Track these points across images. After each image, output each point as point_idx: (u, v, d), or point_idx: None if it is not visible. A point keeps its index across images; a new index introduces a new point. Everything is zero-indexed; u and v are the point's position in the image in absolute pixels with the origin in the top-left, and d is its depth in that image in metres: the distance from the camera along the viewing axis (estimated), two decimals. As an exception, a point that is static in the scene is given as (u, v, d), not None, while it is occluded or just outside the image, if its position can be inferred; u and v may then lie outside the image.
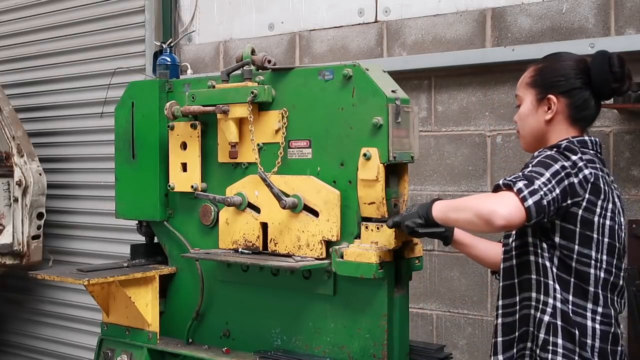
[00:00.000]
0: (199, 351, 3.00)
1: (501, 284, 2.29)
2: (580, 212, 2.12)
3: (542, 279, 2.17)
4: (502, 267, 2.30)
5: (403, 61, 3.96)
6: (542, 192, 2.02)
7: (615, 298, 2.20)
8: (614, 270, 2.17)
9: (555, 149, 2.18)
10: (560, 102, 2.25)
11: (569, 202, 2.10)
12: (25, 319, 5.94)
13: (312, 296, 2.76)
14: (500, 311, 2.28)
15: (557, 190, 2.06)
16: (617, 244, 2.19)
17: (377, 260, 2.50)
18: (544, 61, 2.34)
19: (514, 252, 2.25)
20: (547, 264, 2.16)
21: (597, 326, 2.14)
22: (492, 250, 2.58)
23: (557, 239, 2.14)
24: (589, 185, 2.13)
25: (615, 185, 2.29)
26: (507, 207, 2.01)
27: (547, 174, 2.07)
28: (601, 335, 2.14)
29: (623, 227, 2.26)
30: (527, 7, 3.66)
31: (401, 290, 2.65)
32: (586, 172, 2.13)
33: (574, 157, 2.14)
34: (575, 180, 2.11)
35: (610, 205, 2.17)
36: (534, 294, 2.18)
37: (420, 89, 3.99)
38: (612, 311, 2.18)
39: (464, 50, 3.81)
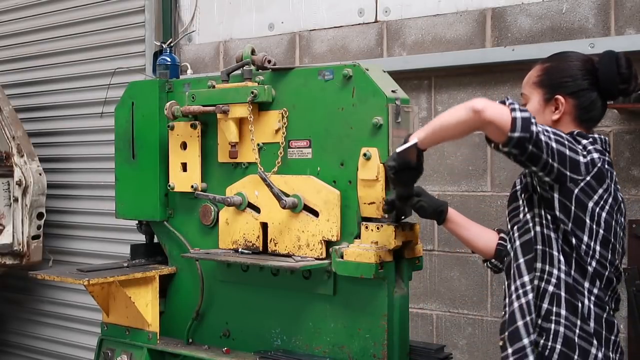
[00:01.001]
0: (199, 351, 3.00)
1: (523, 259, 2.20)
2: (576, 190, 2.10)
3: (547, 249, 2.15)
4: (519, 243, 2.22)
5: (403, 61, 3.96)
6: (535, 122, 2.00)
7: (609, 293, 2.19)
8: (608, 265, 2.16)
9: (566, 133, 2.17)
10: (568, 103, 2.25)
11: (567, 172, 2.08)
12: (25, 319, 5.94)
13: (312, 296, 2.76)
14: (527, 287, 2.18)
15: (554, 145, 2.04)
16: (612, 239, 2.17)
17: (377, 260, 2.50)
18: (550, 60, 2.33)
19: (530, 225, 2.20)
20: (552, 235, 2.14)
21: (592, 306, 2.13)
22: (485, 235, 2.56)
23: (557, 213, 2.12)
24: (595, 170, 2.11)
25: (619, 187, 2.28)
26: (494, 106, 2.01)
27: (550, 130, 2.06)
28: (595, 317, 2.13)
29: (623, 227, 2.25)
30: (527, 7, 3.66)
31: (401, 290, 2.65)
32: (595, 155, 2.12)
33: (584, 141, 2.14)
34: (581, 159, 2.09)
35: (610, 200, 2.16)
36: (539, 264, 2.16)
37: (420, 89, 3.99)
38: (604, 296, 2.16)
39: (464, 50, 3.81)
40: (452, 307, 3.90)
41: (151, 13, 4.99)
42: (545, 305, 2.14)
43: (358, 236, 2.61)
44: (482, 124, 2.04)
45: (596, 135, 2.25)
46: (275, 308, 2.88)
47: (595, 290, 2.14)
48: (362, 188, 2.59)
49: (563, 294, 2.12)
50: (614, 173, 2.24)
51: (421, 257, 2.74)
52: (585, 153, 2.11)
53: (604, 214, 2.14)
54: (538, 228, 2.18)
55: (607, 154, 2.23)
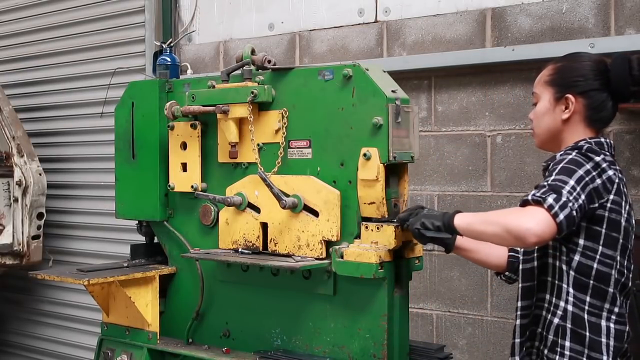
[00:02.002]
0: (199, 351, 2.99)
1: (521, 284, 2.29)
2: (606, 213, 2.13)
3: (556, 281, 2.18)
4: (522, 268, 2.30)
5: (403, 61, 3.96)
6: (570, 204, 2.01)
7: (623, 298, 2.22)
8: (625, 271, 2.20)
9: (576, 151, 2.16)
10: (578, 102, 2.25)
11: (595, 205, 2.10)
12: (25, 319, 5.94)
13: (312, 296, 2.76)
14: (519, 312, 2.29)
15: (583, 197, 2.06)
16: (628, 245, 2.20)
17: (377, 260, 2.50)
18: (563, 60, 2.33)
19: (535, 254, 2.26)
20: (564, 267, 2.17)
21: (612, 325, 2.16)
22: (495, 252, 2.58)
23: (581, 241, 2.14)
24: (614, 187, 2.14)
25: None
26: (539, 225, 1.99)
27: (572, 182, 2.05)
28: (616, 335, 2.15)
29: (634, 228, 2.27)
30: (527, 7, 3.66)
31: (401, 290, 2.65)
32: (610, 172, 2.13)
33: (597, 158, 2.13)
34: (599, 182, 2.11)
35: (627, 207, 2.19)
36: (547, 296, 2.21)
37: (420, 89, 3.99)
38: (625, 311, 2.21)
39: (464, 50, 3.81)
40: (452, 307, 3.90)
41: (151, 13, 4.99)
42: (550, 337, 2.18)
43: (358, 236, 2.61)
44: (529, 247, 2.12)
45: (602, 139, 2.26)
46: (275, 308, 2.87)
47: (617, 309, 2.17)
48: (362, 188, 2.59)
49: (569, 325, 2.16)
50: (624, 179, 2.25)
51: (421, 257, 2.74)
52: (599, 172, 2.12)
53: (623, 223, 2.17)
54: (550, 260, 2.20)
55: (615, 163, 2.24)
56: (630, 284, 2.23)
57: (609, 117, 2.31)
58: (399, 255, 2.63)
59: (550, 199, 2.00)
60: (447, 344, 3.70)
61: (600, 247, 2.14)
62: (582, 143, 2.21)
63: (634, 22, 3.39)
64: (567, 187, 2.04)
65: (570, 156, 2.14)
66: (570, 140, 2.26)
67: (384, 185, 2.56)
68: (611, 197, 2.13)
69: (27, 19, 5.83)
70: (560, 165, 2.11)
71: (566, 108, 2.26)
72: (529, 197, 2.05)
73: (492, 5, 3.76)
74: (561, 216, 1.99)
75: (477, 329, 3.82)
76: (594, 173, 2.10)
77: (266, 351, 2.82)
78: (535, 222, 1.99)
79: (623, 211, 2.17)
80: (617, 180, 2.15)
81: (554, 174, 2.10)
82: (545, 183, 2.08)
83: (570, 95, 2.25)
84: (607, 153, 2.23)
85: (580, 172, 2.08)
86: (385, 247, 2.54)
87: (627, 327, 2.20)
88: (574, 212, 2.01)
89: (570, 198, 2.02)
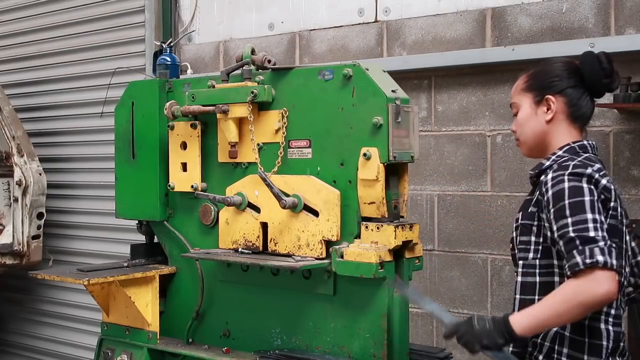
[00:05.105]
0: (199, 351, 3.00)
1: (519, 296, 2.26)
2: (609, 221, 2.14)
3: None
4: (520, 280, 2.27)
5: (403, 61, 3.96)
6: (605, 242, 2.02)
7: (621, 298, 2.24)
8: (622, 271, 2.19)
9: (567, 173, 2.14)
10: (559, 101, 2.28)
11: (609, 218, 2.14)
12: (25, 319, 5.94)
13: (312, 296, 2.76)
14: (517, 305, 2.27)
15: (602, 217, 2.08)
16: (623, 245, 2.21)
17: (377, 260, 2.50)
18: (534, 67, 2.37)
19: (537, 270, 2.24)
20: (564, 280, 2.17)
21: (611, 328, 2.18)
22: None
23: None
24: (612, 194, 2.16)
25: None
26: (609, 284, 2.00)
27: (589, 215, 2.05)
28: (614, 337, 2.18)
29: (627, 227, 2.29)
30: (527, 6, 3.65)
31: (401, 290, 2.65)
32: (604, 182, 2.15)
33: (587, 171, 2.13)
34: (599, 190, 2.13)
35: (619, 208, 2.21)
36: None
37: (420, 89, 3.99)
38: (621, 311, 2.23)
39: (464, 50, 3.81)
40: (452, 307, 3.90)
41: (151, 13, 4.99)
42: (547, 344, 2.19)
43: (358, 236, 2.61)
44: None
45: (585, 142, 2.28)
46: (275, 308, 2.87)
47: (613, 311, 2.19)
48: (362, 188, 2.59)
49: (567, 333, 2.17)
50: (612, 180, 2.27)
51: (421, 257, 2.74)
52: (595, 183, 2.13)
53: (618, 225, 2.18)
54: (557, 278, 2.19)
55: (601, 163, 2.25)
56: (624, 282, 2.24)
57: (589, 113, 2.34)
58: (399, 255, 2.63)
59: (597, 256, 1.99)
60: (447, 343, 3.70)
61: None
62: (565, 160, 2.20)
63: (634, 22, 3.39)
64: (591, 225, 2.04)
65: (564, 185, 2.11)
66: (556, 143, 2.28)
67: (384, 185, 2.56)
68: (612, 204, 2.16)
69: (27, 19, 5.83)
70: (563, 202, 2.09)
71: (548, 109, 2.29)
72: (580, 266, 2.01)
73: (492, 5, 3.76)
74: (613, 261, 2.00)
75: (477, 329, 3.82)
76: (593, 188, 2.12)
77: (266, 351, 2.82)
78: (607, 286, 1.99)
79: (619, 216, 2.20)
80: (612, 187, 2.17)
81: (567, 216, 2.07)
82: (573, 235, 2.05)
83: (549, 96, 2.28)
84: (592, 155, 2.25)
85: (587, 198, 2.08)
86: (385, 247, 2.54)
87: (623, 328, 2.22)
88: (613, 244, 2.04)
89: (600, 235, 2.03)
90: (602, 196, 2.13)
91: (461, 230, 3.87)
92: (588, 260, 2.00)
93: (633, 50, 3.28)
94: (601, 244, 2.01)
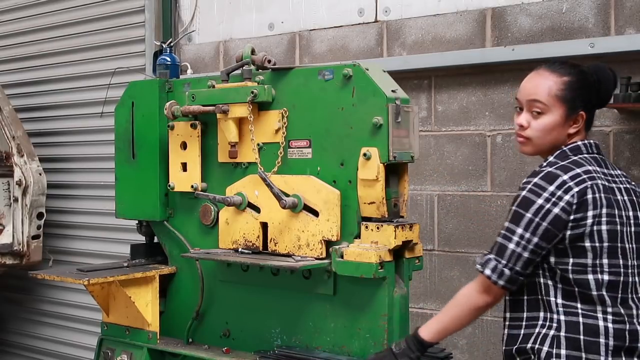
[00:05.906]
0: (199, 351, 3.00)
1: (508, 297, 2.32)
2: (568, 232, 2.15)
3: (545, 297, 2.23)
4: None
5: (403, 61, 3.96)
6: (512, 263, 2.18)
7: (631, 295, 2.21)
8: (622, 270, 2.19)
9: (532, 182, 2.19)
10: (583, 116, 2.30)
11: (557, 237, 2.16)
12: (25, 319, 5.94)
13: (312, 296, 2.76)
14: (507, 322, 2.32)
15: (535, 239, 2.16)
16: (620, 244, 2.19)
17: (377, 260, 2.50)
18: (571, 74, 2.30)
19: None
20: (550, 282, 2.22)
21: (610, 325, 2.16)
22: None
23: (552, 259, 2.20)
24: (573, 207, 2.14)
25: (624, 180, 2.31)
26: (487, 294, 2.26)
27: (520, 230, 2.16)
28: (615, 334, 2.16)
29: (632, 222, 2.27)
30: (527, 6, 3.65)
31: (401, 290, 2.65)
32: (567, 197, 2.14)
33: (563, 178, 2.16)
34: (557, 210, 2.14)
35: (605, 210, 2.17)
36: (541, 314, 2.24)
37: (420, 89, 3.99)
38: (624, 309, 2.19)
39: (464, 50, 3.81)
40: (452, 307, 3.89)
41: (151, 13, 4.99)
42: (545, 349, 2.20)
43: (358, 236, 2.61)
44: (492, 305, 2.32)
45: (579, 143, 2.29)
46: (275, 308, 2.87)
47: (610, 309, 2.18)
48: (362, 188, 2.59)
49: (563, 334, 2.18)
50: (612, 173, 2.27)
51: (421, 257, 2.74)
52: (555, 201, 2.14)
53: (603, 227, 2.17)
54: (538, 279, 2.24)
55: (596, 161, 2.26)
56: (630, 279, 2.22)
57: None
58: (399, 255, 2.63)
59: (488, 270, 2.21)
60: (447, 344, 3.70)
61: (571, 259, 2.18)
62: (551, 162, 2.25)
63: (634, 22, 3.39)
64: (515, 239, 2.17)
65: (522, 193, 2.19)
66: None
67: (384, 185, 2.56)
68: (571, 217, 2.14)
69: (27, 18, 5.82)
70: (513, 207, 2.20)
71: (574, 123, 2.29)
72: (477, 265, 2.26)
73: (492, 5, 3.76)
74: (501, 282, 2.20)
75: (477, 329, 3.82)
76: (548, 207, 2.14)
77: (266, 351, 2.82)
78: (486, 297, 2.28)
79: (593, 219, 2.16)
80: (575, 201, 2.14)
81: (507, 220, 2.21)
82: (498, 239, 2.21)
83: (583, 113, 2.29)
84: (586, 155, 2.26)
85: (528, 215, 2.16)
86: (385, 247, 2.54)
87: (630, 326, 2.18)
88: (517, 268, 2.18)
89: (517, 252, 2.16)
90: (563, 211, 2.13)
91: (461, 230, 3.87)
92: (479, 267, 2.24)
93: (633, 50, 3.28)
94: (504, 261, 2.18)
